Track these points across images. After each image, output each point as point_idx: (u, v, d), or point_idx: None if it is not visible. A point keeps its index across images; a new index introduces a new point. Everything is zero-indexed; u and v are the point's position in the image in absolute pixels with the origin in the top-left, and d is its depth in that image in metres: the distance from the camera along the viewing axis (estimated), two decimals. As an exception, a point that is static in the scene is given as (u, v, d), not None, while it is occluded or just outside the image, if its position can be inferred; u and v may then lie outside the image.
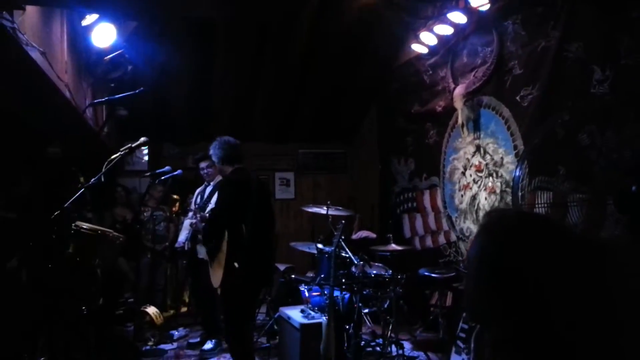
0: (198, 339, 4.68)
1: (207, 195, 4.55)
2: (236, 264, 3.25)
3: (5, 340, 3.20)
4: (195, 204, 4.63)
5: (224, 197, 3.48)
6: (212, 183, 4.62)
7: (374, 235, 5.76)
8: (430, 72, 5.55)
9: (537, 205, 3.35)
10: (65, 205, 2.90)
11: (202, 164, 4.65)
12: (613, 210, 3.07)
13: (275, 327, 4.41)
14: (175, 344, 4.72)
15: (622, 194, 2.94)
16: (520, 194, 3.36)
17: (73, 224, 3.51)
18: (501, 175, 4.36)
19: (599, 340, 0.79)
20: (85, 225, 3.61)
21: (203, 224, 3.76)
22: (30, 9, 2.81)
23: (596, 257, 0.85)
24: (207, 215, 3.86)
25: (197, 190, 4.81)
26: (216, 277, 3.41)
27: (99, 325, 3.70)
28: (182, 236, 4.92)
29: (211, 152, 3.60)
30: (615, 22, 3.25)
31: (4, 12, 2.39)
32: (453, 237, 5.11)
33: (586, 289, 0.81)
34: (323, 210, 4.44)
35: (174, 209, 5.75)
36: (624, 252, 0.91)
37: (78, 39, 4.06)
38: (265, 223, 3.54)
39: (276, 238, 4.95)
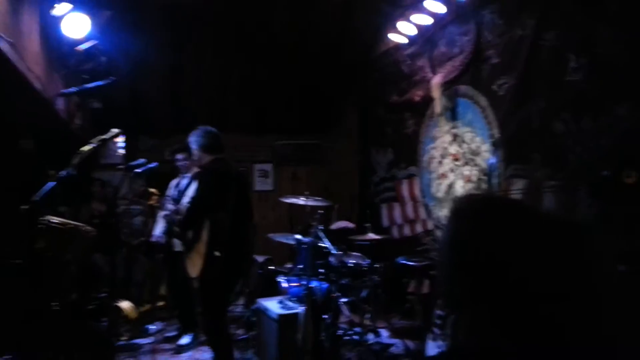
0: (175, 333, 4.63)
1: (183, 187, 4.48)
2: (217, 253, 3.22)
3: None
4: (170, 196, 4.55)
5: (204, 185, 3.43)
6: (187, 175, 4.55)
7: (353, 225, 5.75)
8: (409, 62, 5.55)
9: (512, 192, 3.38)
10: (34, 199, 2.81)
11: (179, 156, 4.58)
12: (586, 196, 3.12)
13: (254, 318, 4.38)
14: (151, 338, 4.66)
15: (594, 180, 2.99)
16: (495, 181, 3.39)
17: (43, 219, 3.43)
18: (478, 164, 4.38)
19: (579, 315, 0.78)
20: (55, 219, 3.52)
21: (178, 216, 3.70)
22: (-3, -1, 2.72)
23: (570, 234, 0.84)
24: (183, 207, 3.80)
25: (173, 182, 4.73)
26: (195, 266, 3.37)
27: (71, 321, 3.63)
28: (158, 230, 4.85)
29: (192, 139, 3.54)
30: (591, 12, 3.27)
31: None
32: (430, 226, 5.14)
33: (562, 264, 0.80)
34: (301, 201, 4.41)
35: (150, 202, 5.65)
36: (596, 236, 0.90)
37: (49, 30, 3.94)
38: (244, 214, 3.51)
39: (255, 229, 4.91)
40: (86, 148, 3.07)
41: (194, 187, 4.05)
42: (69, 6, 3.80)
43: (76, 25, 3.87)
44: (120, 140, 6.68)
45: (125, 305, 4.25)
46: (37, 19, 3.63)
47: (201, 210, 3.36)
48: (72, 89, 4.50)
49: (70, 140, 4.82)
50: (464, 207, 0.96)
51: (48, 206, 3.85)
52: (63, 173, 2.94)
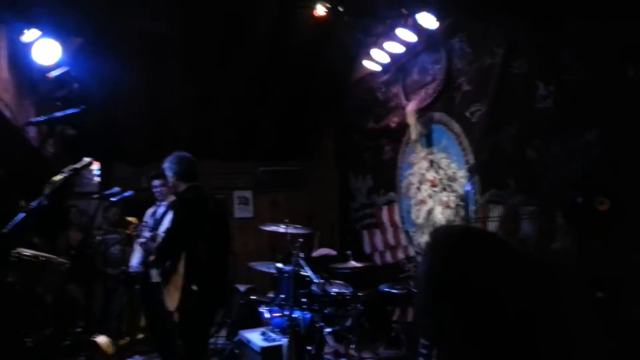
0: (154, 367, 4.49)
1: (159, 216, 4.40)
2: (194, 287, 3.15)
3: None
4: (146, 224, 4.46)
5: (180, 216, 3.36)
6: (164, 203, 4.48)
7: (334, 253, 5.72)
8: (384, 89, 5.65)
9: (489, 219, 3.42)
10: (3, 231, 2.73)
11: (155, 182, 4.51)
12: (563, 222, 3.17)
13: (236, 351, 4.28)
14: (130, 373, 4.50)
15: (569, 206, 3.04)
16: (472, 207, 3.44)
17: (14, 251, 3.32)
18: (455, 190, 4.44)
19: (552, 343, 0.80)
20: (27, 251, 3.42)
21: (154, 244, 3.63)
22: (-37, 25, 2.68)
23: (542, 268, 0.86)
24: (159, 234, 3.72)
25: (149, 211, 4.65)
26: (172, 300, 3.28)
27: (46, 358, 3.48)
28: (135, 260, 4.73)
29: (166, 165, 3.48)
30: (553, 39, 3.39)
31: None
32: (412, 252, 5.15)
33: (534, 296, 0.82)
34: (282, 229, 4.38)
35: (128, 231, 5.53)
36: (571, 263, 0.93)
37: (19, 56, 3.89)
38: (222, 244, 3.45)
39: (236, 258, 4.84)
40: (57, 178, 3.01)
41: (170, 216, 3.98)
42: (38, 33, 3.77)
43: (46, 52, 3.83)
44: (95, 168, 6.57)
45: (101, 340, 4.10)
46: (5, 45, 3.58)
47: (176, 243, 3.29)
48: (42, 118, 4.43)
49: (42, 169, 4.71)
50: (440, 240, 0.98)
51: (19, 238, 3.74)
52: (34, 204, 2.87)
